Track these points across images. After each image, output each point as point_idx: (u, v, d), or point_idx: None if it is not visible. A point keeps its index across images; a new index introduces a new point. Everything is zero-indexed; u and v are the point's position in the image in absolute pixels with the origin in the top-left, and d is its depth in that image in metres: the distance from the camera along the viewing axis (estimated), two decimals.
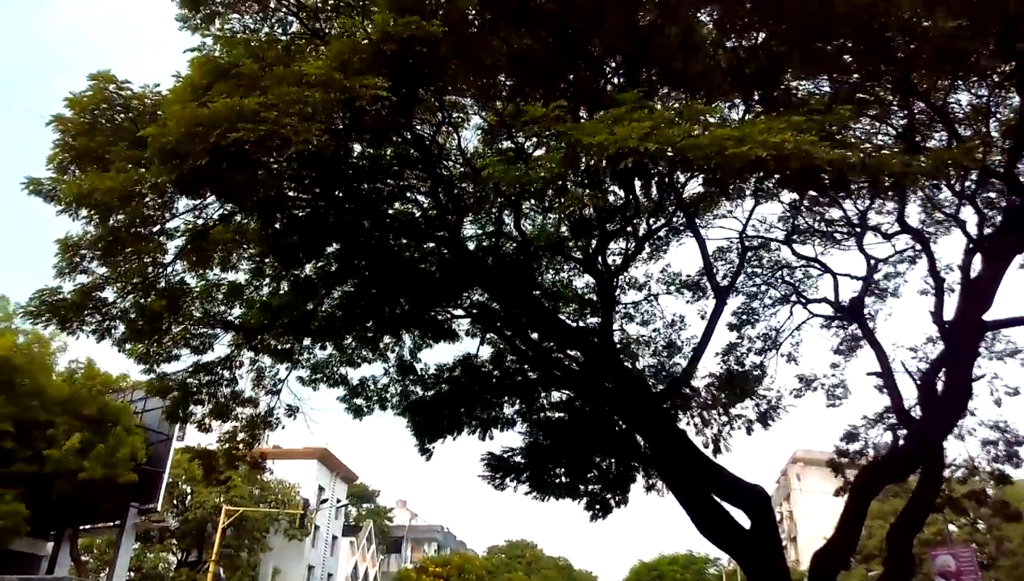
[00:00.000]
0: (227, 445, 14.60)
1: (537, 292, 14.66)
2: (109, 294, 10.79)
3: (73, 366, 25.73)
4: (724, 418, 16.10)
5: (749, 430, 16.40)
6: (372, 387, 15.29)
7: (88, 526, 30.02)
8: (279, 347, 14.02)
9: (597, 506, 16.29)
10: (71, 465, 22.68)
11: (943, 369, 13.32)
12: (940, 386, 13.24)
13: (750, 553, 13.26)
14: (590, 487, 16.38)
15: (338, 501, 52.54)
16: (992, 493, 19.00)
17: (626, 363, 14.93)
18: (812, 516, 42.32)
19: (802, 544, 48.29)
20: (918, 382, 14.34)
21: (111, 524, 29.37)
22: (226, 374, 13.59)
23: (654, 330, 16.49)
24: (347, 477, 57.60)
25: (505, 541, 75.41)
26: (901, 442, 14.00)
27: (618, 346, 15.05)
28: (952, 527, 33.67)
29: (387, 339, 14.63)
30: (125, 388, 26.15)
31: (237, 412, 14.37)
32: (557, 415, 15.84)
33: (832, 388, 16.95)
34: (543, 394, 15.79)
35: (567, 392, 15.45)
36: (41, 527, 25.03)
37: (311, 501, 42.63)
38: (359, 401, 15.23)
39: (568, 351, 14.84)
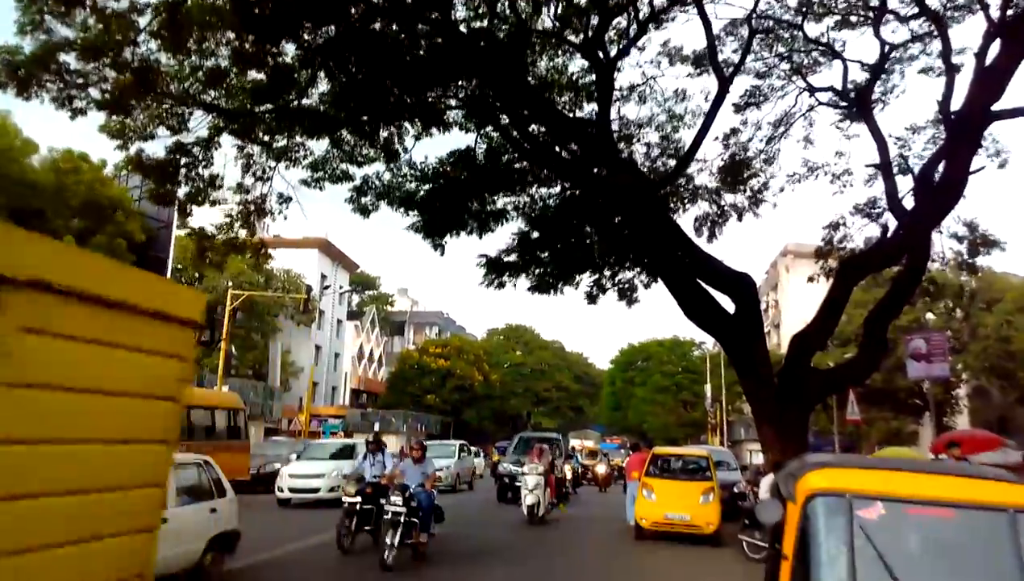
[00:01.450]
0: (225, 234, 14.77)
1: (532, 81, 14.05)
2: (73, 61, 10.31)
3: (54, 153, 25.34)
4: (721, 202, 16.19)
5: (740, 216, 16.45)
6: (377, 184, 15.10)
7: None
8: (272, 142, 13.69)
9: (620, 291, 17.03)
10: None
11: (942, 161, 13.19)
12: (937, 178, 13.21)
13: (733, 336, 13.96)
14: (613, 277, 16.96)
15: (340, 288, 54.43)
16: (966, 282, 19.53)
17: (623, 154, 14.67)
18: (797, 305, 44.11)
19: (785, 331, 50.79)
20: (915, 173, 14.27)
21: None
22: (203, 155, 13.33)
23: (651, 111, 15.92)
24: (348, 266, 59.29)
25: (504, 325, 79.22)
26: (889, 233, 14.20)
27: (615, 135, 14.72)
28: (930, 315, 35.27)
29: (384, 134, 14.16)
30: (119, 174, 25.99)
31: (225, 198, 14.33)
32: (552, 206, 15.88)
33: (837, 176, 16.77)
34: (538, 186, 15.73)
35: (562, 183, 15.38)
36: None
37: (314, 288, 44.13)
38: (365, 200, 15.09)
39: (563, 142, 14.59)
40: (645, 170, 15.64)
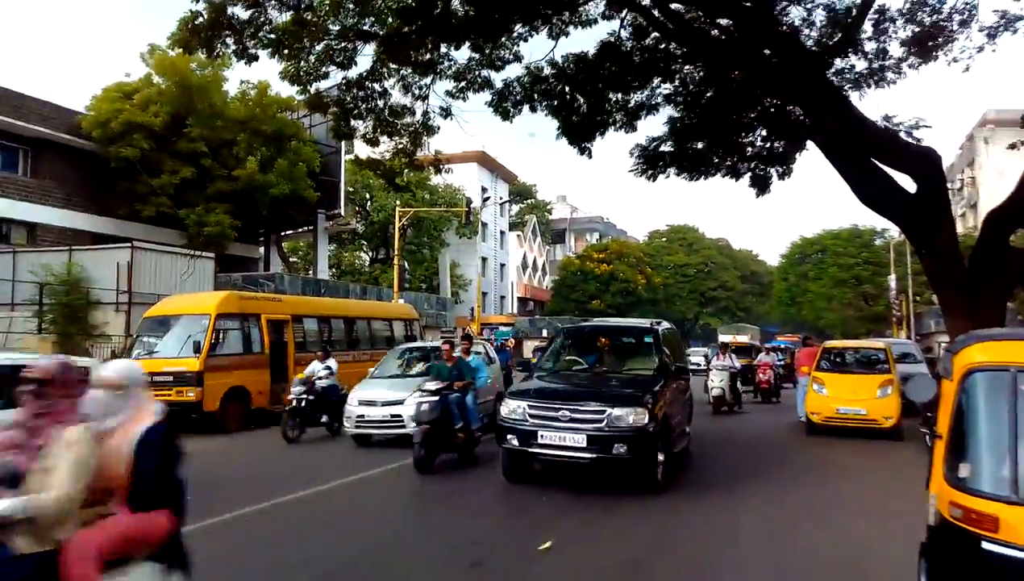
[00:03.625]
0: (397, 156, 15.63)
1: None
2: (240, 11, 11.15)
3: (245, 87, 27.40)
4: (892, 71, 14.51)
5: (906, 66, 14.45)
6: (518, 88, 15.06)
7: (288, 232, 34.29)
8: (420, 59, 14.03)
9: (759, 181, 16.17)
10: (261, 182, 25.29)
11: None
12: None
13: (915, 219, 12.82)
14: (749, 163, 16.12)
15: (500, 199, 55.37)
16: None
17: (782, 26, 13.46)
18: (998, 181, 39.31)
19: (983, 211, 45.70)
20: None
21: (306, 229, 33.35)
22: (376, 88, 14.06)
23: None
24: (506, 177, 60.00)
25: (666, 226, 77.26)
26: None
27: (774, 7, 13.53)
28: None
29: (520, 29, 13.93)
30: (293, 107, 27.82)
31: (396, 123, 15.05)
32: (704, 92, 15.07)
33: None
34: (688, 70, 14.94)
35: (714, 66, 14.48)
36: (249, 234, 28.89)
37: (475, 200, 45.31)
38: (507, 104, 15.10)
39: (716, 20, 13.65)
40: (809, 36, 14.28)
